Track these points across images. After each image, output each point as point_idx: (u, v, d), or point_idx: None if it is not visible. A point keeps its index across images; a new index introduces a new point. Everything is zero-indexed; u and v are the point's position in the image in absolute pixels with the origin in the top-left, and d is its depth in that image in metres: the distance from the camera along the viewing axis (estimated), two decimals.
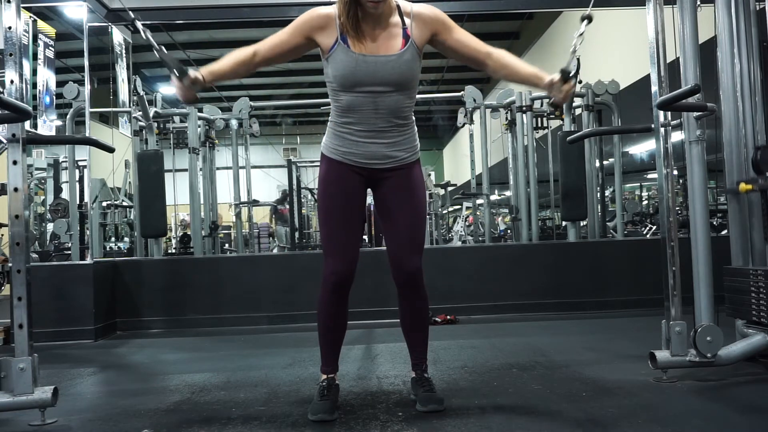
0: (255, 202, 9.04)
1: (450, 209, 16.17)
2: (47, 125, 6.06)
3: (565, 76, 2.10)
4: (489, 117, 7.65)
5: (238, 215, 8.61)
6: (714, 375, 2.63)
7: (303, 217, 12.92)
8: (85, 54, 4.93)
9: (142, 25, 2.25)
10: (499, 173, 10.06)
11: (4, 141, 3.20)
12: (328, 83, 2.23)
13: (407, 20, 2.18)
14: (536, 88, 2.23)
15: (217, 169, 8.44)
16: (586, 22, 2.19)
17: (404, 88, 2.19)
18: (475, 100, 7.54)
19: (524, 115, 6.82)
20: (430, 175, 10.59)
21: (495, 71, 2.24)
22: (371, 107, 2.17)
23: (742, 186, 2.74)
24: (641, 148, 13.30)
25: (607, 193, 8.26)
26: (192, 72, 2.15)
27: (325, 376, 2.32)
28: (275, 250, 12.29)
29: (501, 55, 2.22)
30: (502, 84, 14.38)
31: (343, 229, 2.26)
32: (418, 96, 2.34)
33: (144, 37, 2.19)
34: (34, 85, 5.89)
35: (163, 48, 2.15)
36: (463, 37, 2.23)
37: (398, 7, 2.19)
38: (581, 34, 2.19)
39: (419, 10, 2.20)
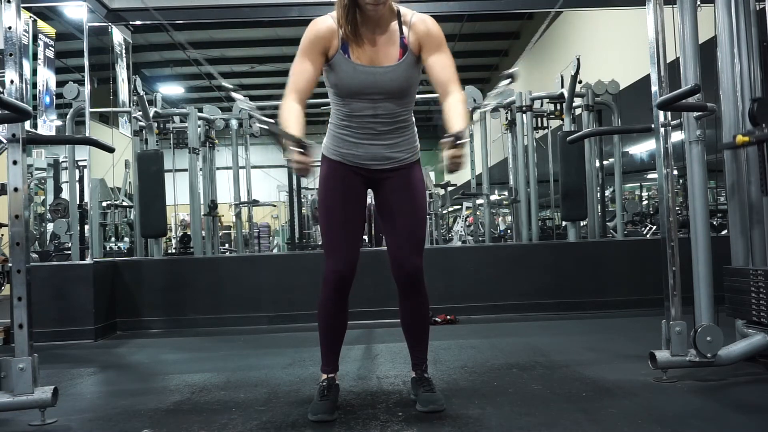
0: (255, 202, 9.04)
1: (450, 209, 16.17)
2: (47, 125, 6.06)
3: (454, 140, 1.91)
4: (489, 117, 7.65)
5: (238, 215, 8.61)
6: (714, 375, 2.63)
7: (303, 217, 12.92)
8: (85, 54, 4.93)
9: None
10: (499, 173, 10.07)
11: (4, 141, 3.20)
12: (328, 87, 2.24)
13: (405, 29, 2.17)
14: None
15: (217, 169, 8.44)
16: (508, 81, 2.08)
17: (403, 95, 2.21)
18: (475, 100, 7.55)
19: (524, 115, 6.82)
20: (431, 178, 10.60)
21: (441, 108, 2.16)
22: (371, 112, 2.19)
23: (739, 138, 2.71)
24: (641, 148, 13.30)
25: (607, 193, 8.26)
26: (303, 140, 1.96)
27: (325, 376, 2.32)
28: (275, 250, 12.28)
29: (452, 101, 2.12)
30: (502, 84, 14.37)
31: (343, 230, 2.26)
32: (418, 96, 2.34)
33: (260, 127, 2.02)
34: (34, 85, 5.89)
35: (276, 122, 2.02)
36: (441, 64, 2.16)
37: (398, 13, 2.19)
38: (499, 93, 2.06)
39: (416, 21, 2.18)
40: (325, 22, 2.16)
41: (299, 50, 2.17)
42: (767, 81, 2.91)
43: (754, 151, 2.76)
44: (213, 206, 7.76)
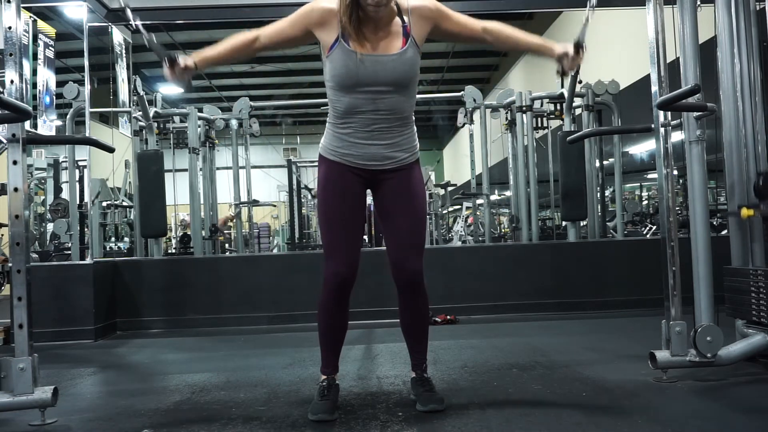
0: (255, 202, 9.05)
1: (450, 209, 16.17)
2: (47, 125, 6.07)
3: (578, 47, 2.14)
4: (489, 117, 7.65)
5: (238, 215, 8.62)
6: (714, 375, 2.63)
7: (303, 217, 12.92)
8: (85, 54, 4.93)
9: (143, 25, 2.24)
10: (499, 173, 10.06)
11: (4, 141, 3.20)
12: (327, 84, 2.22)
13: (406, 18, 2.17)
14: (544, 57, 2.26)
15: (217, 169, 8.44)
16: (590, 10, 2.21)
17: (405, 87, 2.18)
18: (475, 100, 7.55)
19: (524, 115, 6.83)
20: (430, 177, 10.58)
21: (497, 44, 2.30)
22: (371, 108, 2.16)
23: (744, 211, 2.73)
24: (641, 148, 13.29)
25: (607, 193, 8.26)
26: (183, 60, 2.12)
27: (325, 376, 2.31)
28: (275, 250, 12.28)
29: (498, 28, 2.25)
30: (502, 84, 14.40)
31: (343, 231, 2.25)
32: (418, 96, 2.33)
33: (133, 24, 2.20)
34: (34, 85, 5.89)
35: (153, 36, 2.14)
36: (461, 20, 2.25)
37: (397, 5, 2.18)
38: (593, 5, 2.22)
39: (415, 4, 2.19)
40: (326, 4, 2.14)
41: (291, 16, 2.19)
42: (767, 81, 2.91)
43: (758, 222, 2.78)
44: (214, 230, 7.75)
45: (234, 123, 8.16)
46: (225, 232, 11.73)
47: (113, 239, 10.59)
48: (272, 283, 4.86)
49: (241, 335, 4.39)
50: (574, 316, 4.61)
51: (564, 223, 6.81)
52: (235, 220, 8.96)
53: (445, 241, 12.44)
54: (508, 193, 8.69)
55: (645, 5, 2.69)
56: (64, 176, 7.82)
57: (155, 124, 6.52)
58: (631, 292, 4.81)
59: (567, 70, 2.20)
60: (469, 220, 11.85)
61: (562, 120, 6.33)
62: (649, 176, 15.13)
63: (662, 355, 2.59)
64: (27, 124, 2.44)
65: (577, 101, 6.53)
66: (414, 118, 2.32)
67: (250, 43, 2.18)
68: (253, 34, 2.18)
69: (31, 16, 5.50)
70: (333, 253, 2.25)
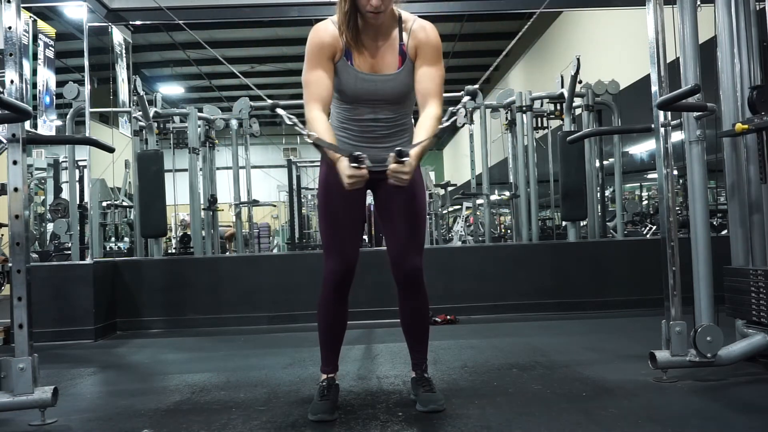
0: (255, 202, 9.05)
1: (450, 209, 16.18)
2: (47, 125, 6.06)
3: (397, 156, 1.93)
4: (489, 117, 7.65)
5: (238, 215, 8.62)
6: (714, 375, 2.63)
7: (303, 217, 12.93)
8: (85, 54, 4.93)
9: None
10: (499, 173, 10.07)
11: (4, 141, 3.20)
12: None
13: (405, 35, 2.17)
14: None
15: (217, 169, 8.44)
16: (452, 120, 2.17)
17: (403, 101, 2.23)
18: (475, 100, 7.54)
19: (524, 115, 6.83)
20: (430, 177, 10.58)
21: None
22: (370, 117, 2.21)
23: (739, 126, 2.70)
24: (641, 148, 13.30)
25: (607, 193, 8.26)
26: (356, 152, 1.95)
27: (325, 376, 2.32)
28: (275, 250, 12.28)
29: (426, 115, 2.13)
30: (502, 84, 14.41)
31: (343, 230, 2.26)
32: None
33: (308, 138, 2.02)
34: (34, 85, 5.88)
35: (325, 141, 2.00)
36: (429, 75, 2.16)
37: (400, 18, 2.18)
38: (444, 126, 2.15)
39: (417, 28, 2.18)
40: (328, 29, 2.15)
41: (307, 59, 2.16)
42: (767, 81, 2.91)
43: (754, 140, 2.76)
44: (213, 200, 7.76)
45: (234, 123, 8.15)
46: (231, 246, 11.77)
47: (113, 239, 10.59)
48: (272, 283, 4.86)
49: (241, 335, 4.39)
50: (574, 316, 4.61)
51: (564, 223, 6.81)
52: (235, 221, 8.96)
53: (445, 241, 12.45)
54: (508, 194, 8.70)
55: (645, 5, 2.69)
56: (64, 176, 7.82)
57: (155, 124, 6.52)
58: (631, 292, 4.81)
59: (394, 180, 1.96)
60: (470, 220, 11.86)
61: (562, 120, 6.33)
62: (649, 176, 15.14)
63: (662, 355, 2.60)
64: (27, 124, 2.44)
65: (577, 101, 6.53)
66: (413, 121, 2.33)
67: (325, 116, 2.12)
68: (315, 109, 2.10)
69: (31, 16, 5.50)
70: (332, 251, 2.26)
